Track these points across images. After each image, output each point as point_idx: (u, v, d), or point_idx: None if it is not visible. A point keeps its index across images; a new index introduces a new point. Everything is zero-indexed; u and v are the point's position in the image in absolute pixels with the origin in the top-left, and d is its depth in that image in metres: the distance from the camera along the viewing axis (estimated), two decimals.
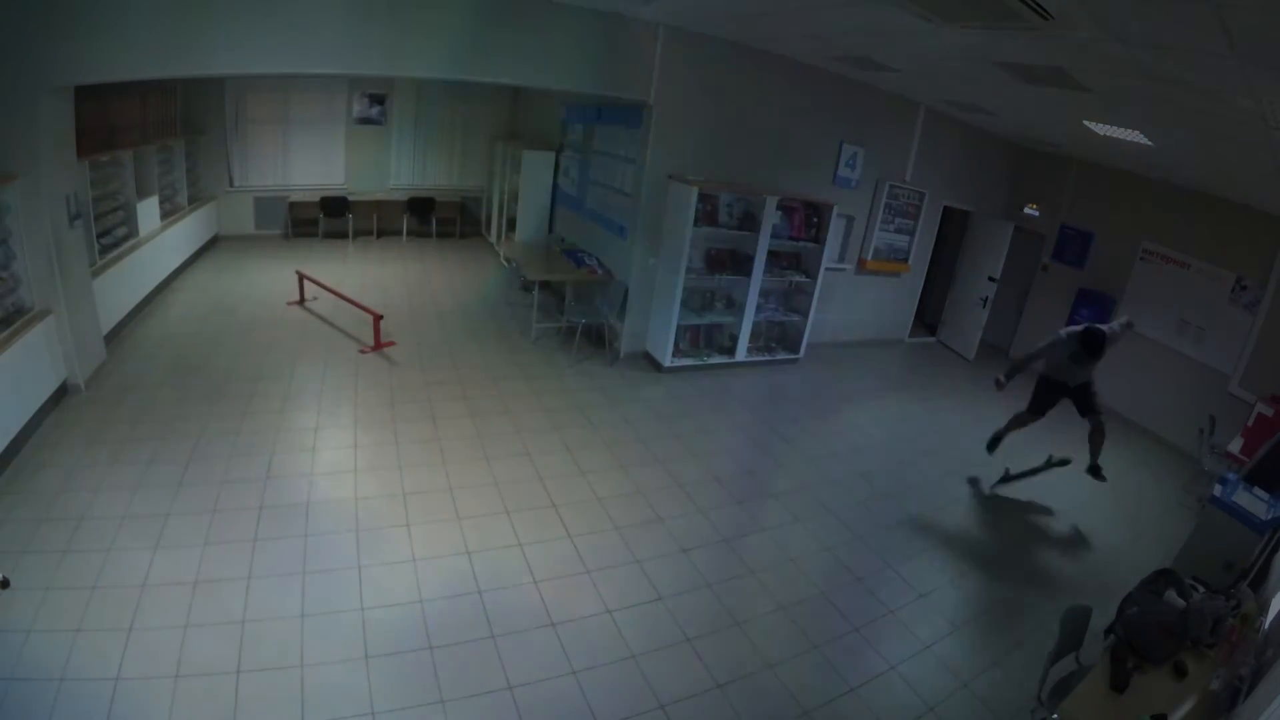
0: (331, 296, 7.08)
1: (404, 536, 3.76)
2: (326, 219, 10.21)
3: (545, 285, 7.69)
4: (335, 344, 6.33)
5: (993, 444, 5.67)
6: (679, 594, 3.65)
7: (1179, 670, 2.75)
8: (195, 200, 8.77)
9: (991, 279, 8.61)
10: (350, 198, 10.31)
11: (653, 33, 5.90)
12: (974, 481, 5.58)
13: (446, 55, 5.25)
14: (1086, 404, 5.22)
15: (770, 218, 6.49)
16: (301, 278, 7.31)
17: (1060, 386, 5.25)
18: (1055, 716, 2.52)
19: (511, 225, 9.91)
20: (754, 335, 7.11)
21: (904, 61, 5.59)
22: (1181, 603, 3.01)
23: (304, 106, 9.85)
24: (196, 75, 5.46)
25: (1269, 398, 5.88)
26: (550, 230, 9.44)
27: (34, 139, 4.27)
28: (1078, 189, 8.27)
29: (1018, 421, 5.55)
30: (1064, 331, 5.03)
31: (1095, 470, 5.35)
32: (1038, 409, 5.44)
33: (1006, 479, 5.55)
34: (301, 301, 7.29)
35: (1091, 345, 4.79)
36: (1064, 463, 5.62)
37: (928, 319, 9.72)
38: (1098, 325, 4.92)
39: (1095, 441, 5.29)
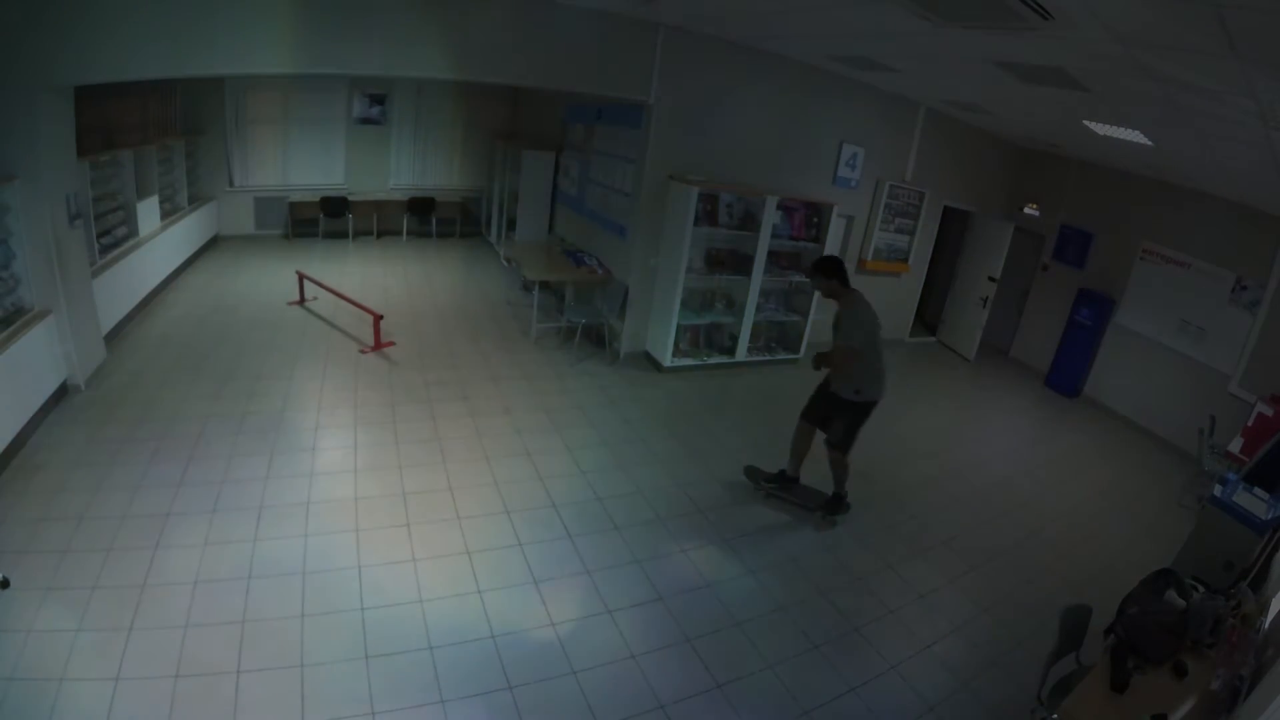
0: (332, 296, 7.08)
1: (404, 536, 3.76)
2: (326, 219, 10.20)
3: (545, 285, 7.69)
4: (335, 344, 6.33)
5: (781, 481, 4.65)
6: (679, 594, 3.65)
7: (1179, 670, 2.75)
8: (195, 200, 8.78)
9: (991, 279, 8.61)
10: (350, 198, 10.31)
11: (653, 33, 5.90)
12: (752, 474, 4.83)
13: (447, 55, 5.26)
14: (836, 430, 4.30)
15: (770, 218, 6.49)
16: (301, 278, 7.32)
17: (825, 387, 4.29)
18: (1055, 716, 2.52)
19: (511, 225, 9.91)
20: (754, 335, 7.10)
21: (904, 61, 5.59)
22: (1181, 603, 3.01)
23: (304, 106, 9.84)
24: (196, 75, 5.46)
25: (1269, 398, 5.88)
26: (550, 230, 9.43)
27: (34, 139, 4.28)
28: (1078, 189, 8.27)
29: (800, 439, 4.55)
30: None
31: (835, 500, 4.50)
32: (808, 413, 4.50)
33: (770, 482, 4.72)
34: (302, 301, 7.29)
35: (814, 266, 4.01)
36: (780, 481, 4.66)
37: (928, 319, 9.72)
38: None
39: (835, 471, 4.43)
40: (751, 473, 4.82)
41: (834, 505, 4.53)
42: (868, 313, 4.14)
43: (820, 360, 4.16)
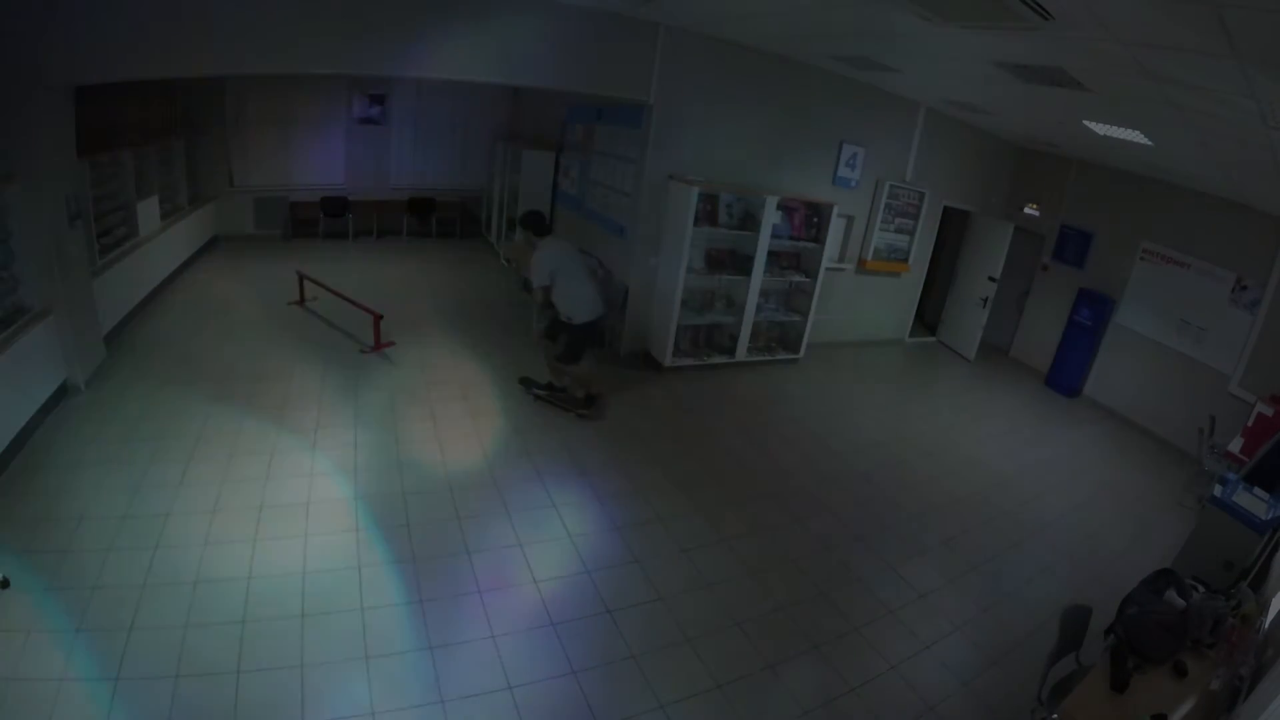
0: (332, 296, 7.07)
1: (404, 537, 3.76)
2: (326, 219, 10.21)
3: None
4: (335, 344, 6.33)
5: (550, 389, 5.60)
6: (679, 594, 3.65)
7: (1179, 670, 2.75)
8: (195, 200, 8.77)
9: (991, 279, 8.61)
10: (350, 198, 10.31)
11: (653, 33, 5.90)
12: (527, 383, 5.72)
13: (446, 55, 5.25)
14: (559, 345, 5.22)
15: (770, 218, 6.48)
16: (301, 278, 7.31)
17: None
18: (1055, 716, 2.53)
19: (511, 225, 9.91)
20: (754, 335, 7.10)
21: (904, 61, 5.59)
22: (1181, 603, 3.01)
23: (304, 106, 9.84)
24: (196, 75, 5.46)
25: (1269, 398, 5.88)
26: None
27: (34, 139, 4.27)
28: (1078, 189, 8.27)
29: (547, 355, 5.48)
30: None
31: (540, 387, 5.58)
32: (546, 333, 5.42)
33: (541, 389, 5.65)
34: (301, 301, 7.29)
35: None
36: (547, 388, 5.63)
37: (928, 319, 9.72)
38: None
39: (551, 369, 5.49)
40: (525, 381, 5.77)
41: (581, 402, 5.48)
42: (552, 255, 5.04)
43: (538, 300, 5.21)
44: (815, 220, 7.05)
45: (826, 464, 5.43)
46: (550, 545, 3.89)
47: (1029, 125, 7.08)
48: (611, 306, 5.03)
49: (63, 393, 4.70)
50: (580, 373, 5.36)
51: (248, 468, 4.18)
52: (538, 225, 5.19)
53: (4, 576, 2.99)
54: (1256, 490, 4.22)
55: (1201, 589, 3.24)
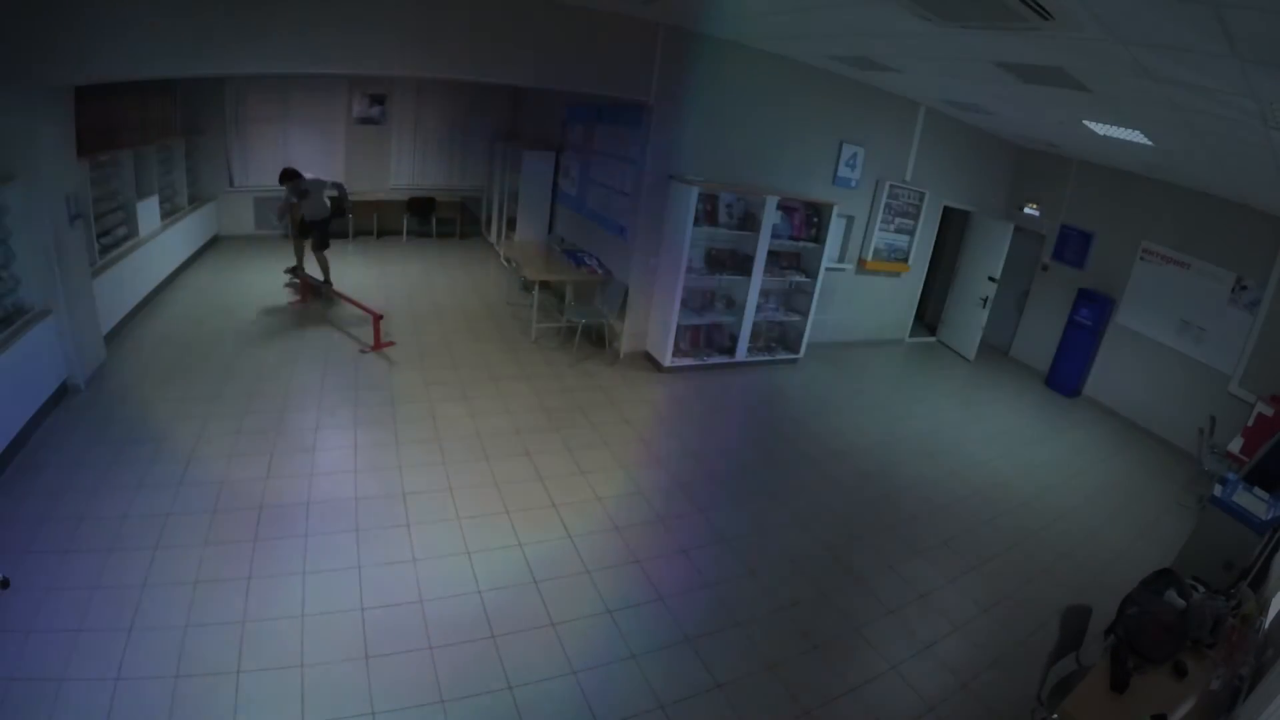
0: (331, 296, 7.08)
1: (404, 536, 3.76)
2: None
3: (545, 285, 7.69)
4: (335, 344, 6.33)
5: (297, 273, 7.54)
6: (679, 594, 3.65)
7: (1179, 670, 2.75)
8: (195, 200, 8.78)
9: (991, 279, 8.61)
10: (350, 198, 10.29)
11: (653, 33, 5.90)
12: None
13: (446, 55, 5.25)
14: (316, 241, 7.42)
15: (770, 218, 6.49)
16: (302, 278, 7.31)
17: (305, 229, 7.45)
18: (1055, 716, 2.53)
19: (511, 225, 9.91)
20: (754, 335, 7.10)
21: (904, 61, 5.59)
22: (1181, 603, 3.01)
23: (304, 106, 9.84)
24: (197, 75, 5.46)
25: (1269, 398, 5.88)
26: (550, 230, 9.43)
27: (34, 139, 4.27)
28: (1078, 189, 8.27)
29: (297, 252, 7.59)
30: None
31: (325, 284, 7.42)
32: (304, 246, 7.59)
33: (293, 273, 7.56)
34: (302, 301, 7.29)
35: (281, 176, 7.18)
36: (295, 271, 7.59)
37: (928, 319, 9.72)
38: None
39: (323, 266, 7.51)
40: (291, 270, 7.60)
41: (324, 288, 7.35)
42: (301, 190, 7.14)
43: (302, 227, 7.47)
44: (815, 220, 7.05)
45: (826, 464, 5.43)
46: (548, 546, 3.89)
47: (1029, 125, 7.08)
48: (342, 212, 7.90)
49: (63, 393, 4.70)
50: (322, 259, 7.42)
51: (248, 468, 4.18)
52: (291, 175, 7.14)
53: (4, 576, 2.98)
54: (1256, 490, 4.22)
55: (1201, 589, 3.23)
